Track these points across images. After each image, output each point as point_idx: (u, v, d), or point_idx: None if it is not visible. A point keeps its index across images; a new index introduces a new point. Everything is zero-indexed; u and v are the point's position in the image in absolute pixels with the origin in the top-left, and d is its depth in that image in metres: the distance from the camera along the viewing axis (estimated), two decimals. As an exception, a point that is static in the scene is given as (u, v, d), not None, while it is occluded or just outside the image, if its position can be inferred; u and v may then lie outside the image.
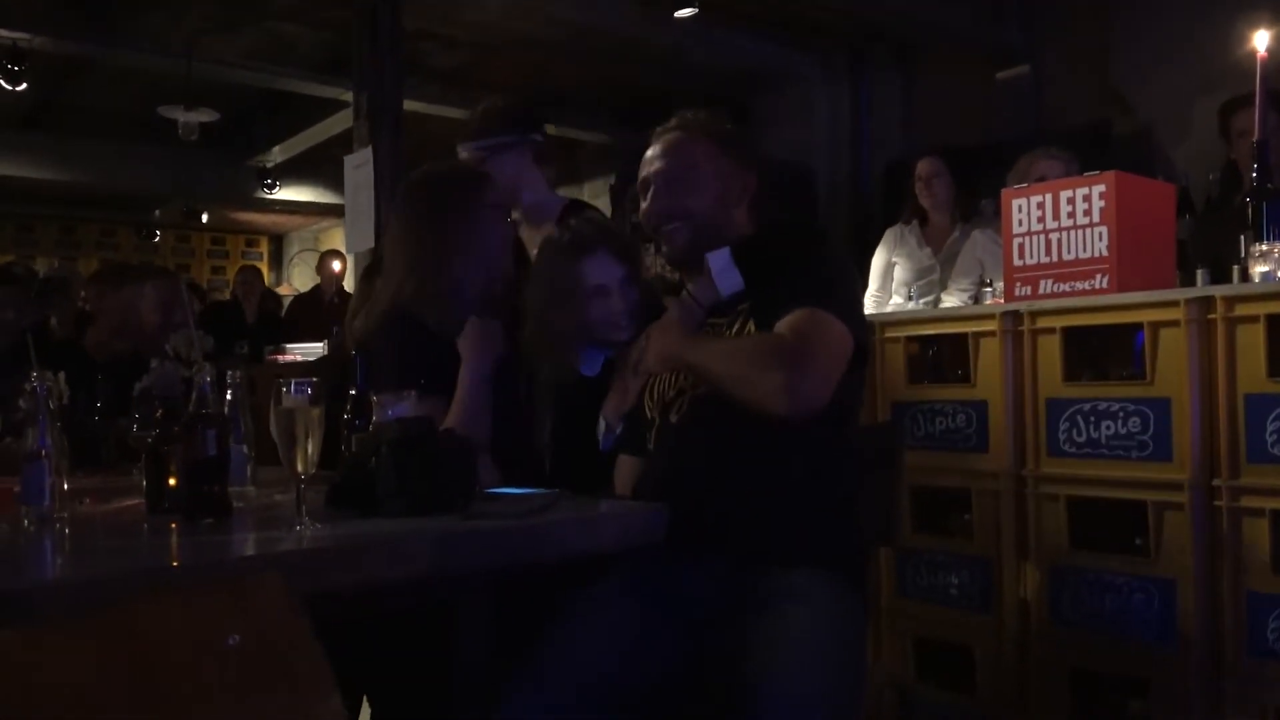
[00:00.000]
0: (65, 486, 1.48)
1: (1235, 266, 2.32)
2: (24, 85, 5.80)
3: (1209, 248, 2.83)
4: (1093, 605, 2.23)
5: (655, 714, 1.47)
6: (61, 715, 0.80)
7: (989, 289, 3.27)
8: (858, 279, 1.78)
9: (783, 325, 1.56)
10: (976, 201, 3.86)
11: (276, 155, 8.66)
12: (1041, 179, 2.92)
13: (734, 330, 1.68)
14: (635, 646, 1.48)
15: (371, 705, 1.96)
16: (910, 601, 2.56)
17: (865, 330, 1.69)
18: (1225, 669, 2.06)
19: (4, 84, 5.75)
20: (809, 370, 1.50)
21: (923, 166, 3.83)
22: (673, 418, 1.71)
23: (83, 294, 3.75)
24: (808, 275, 1.63)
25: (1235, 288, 2.15)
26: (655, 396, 1.77)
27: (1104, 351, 2.34)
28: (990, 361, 2.42)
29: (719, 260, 1.69)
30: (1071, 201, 2.34)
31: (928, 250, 3.78)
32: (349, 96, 5.18)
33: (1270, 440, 2.00)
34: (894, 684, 2.54)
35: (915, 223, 3.84)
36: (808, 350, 1.51)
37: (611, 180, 8.05)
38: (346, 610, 1.36)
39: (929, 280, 3.73)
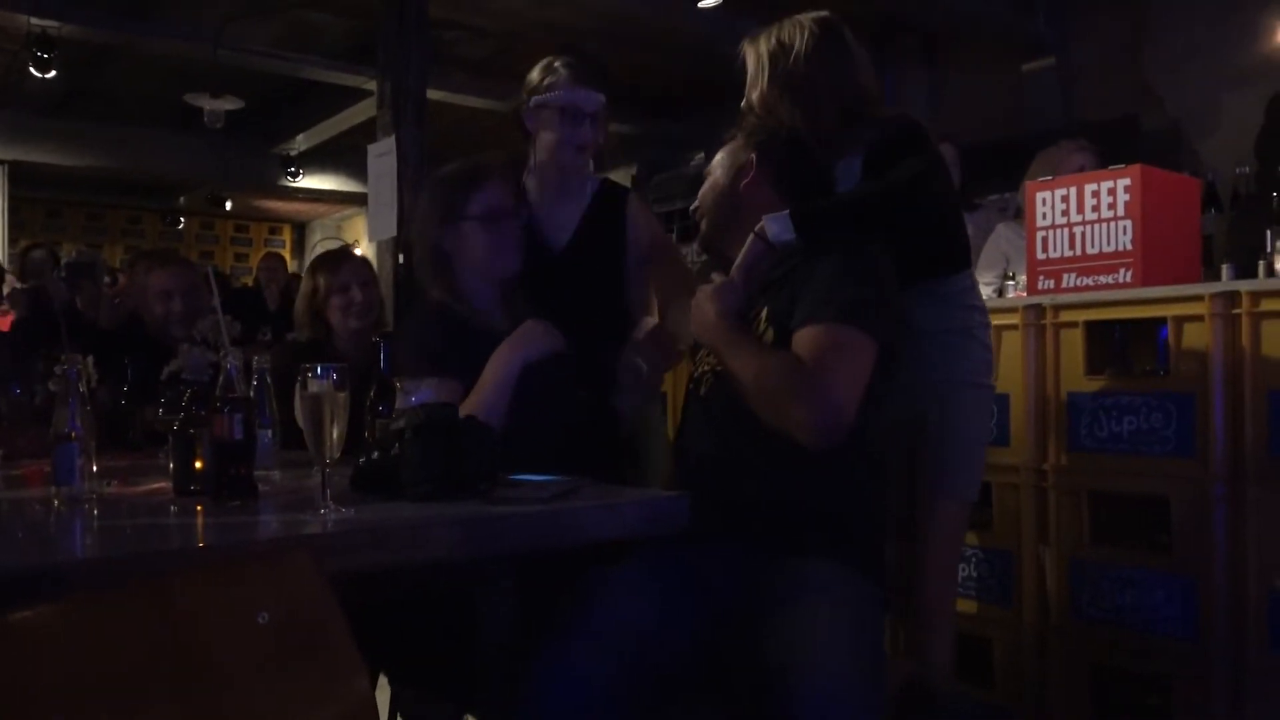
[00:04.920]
0: (94, 468, 1.51)
1: (1261, 262, 2.31)
2: (53, 73, 5.84)
3: (1241, 242, 2.81)
4: (1114, 601, 2.23)
5: (674, 699, 1.48)
6: (98, 685, 0.81)
7: (1011, 282, 3.25)
8: (890, 269, 1.75)
9: (803, 345, 1.55)
10: (976, 193, 3.78)
11: (300, 143, 8.71)
12: (1081, 168, 2.88)
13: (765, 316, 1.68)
14: (655, 631, 1.49)
15: (391, 685, 1.98)
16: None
17: (896, 329, 1.66)
18: (1247, 666, 2.05)
19: (34, 71, 5.80)
20: (828, 401, 1.50)
21: None
22: (702, 391, 1.74)
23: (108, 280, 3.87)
24: (837, 277, 1.61)
25: (1261, 282, 2.14)
26: (692, 371, 1.81)
27: (1127, 346, 2.33)
28: (1012, 355, 2.41)
29: (775, 221, 1.69)
30: (1096, 195, 2.33)
31: None
32: (373, 85, 5.19)
33: (1295, 436, 1.99)
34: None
35: None
36: (825, 379, 1.50)
37: (634, 170, 8.02)
38: (369, 592, 1.37)
39: None
